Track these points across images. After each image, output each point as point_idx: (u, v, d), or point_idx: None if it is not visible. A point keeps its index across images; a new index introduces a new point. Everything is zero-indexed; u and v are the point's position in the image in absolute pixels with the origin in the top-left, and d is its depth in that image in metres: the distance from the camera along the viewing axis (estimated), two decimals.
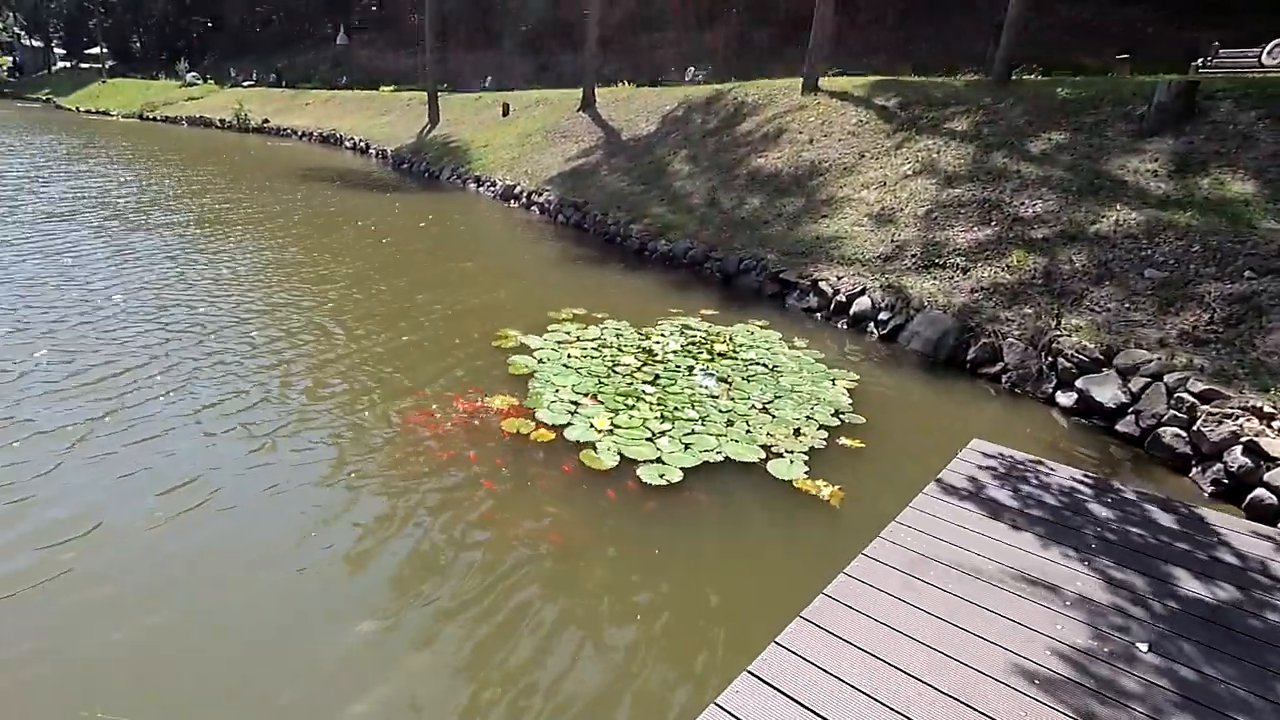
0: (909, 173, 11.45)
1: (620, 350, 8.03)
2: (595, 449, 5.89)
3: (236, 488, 5.20)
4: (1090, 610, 3.74)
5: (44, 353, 7.24)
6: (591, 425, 6.26)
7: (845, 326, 9.35)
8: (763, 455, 5.91)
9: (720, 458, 5.86)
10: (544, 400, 6.70)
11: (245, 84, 43.62)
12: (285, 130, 33.48)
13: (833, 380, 7.54)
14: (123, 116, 42.81)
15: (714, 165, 14.75)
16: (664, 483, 5.46)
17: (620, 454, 5.83)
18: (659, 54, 28.85)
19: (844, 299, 9.52)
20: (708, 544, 4.90)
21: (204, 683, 3.62)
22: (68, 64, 63.10)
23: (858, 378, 7.64)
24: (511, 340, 8.23)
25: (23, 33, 66.20)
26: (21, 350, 7.33)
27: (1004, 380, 7.72)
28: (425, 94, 27.35)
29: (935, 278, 9.19)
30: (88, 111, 45.70)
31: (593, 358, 7.77)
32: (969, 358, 8.09)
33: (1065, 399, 7.22)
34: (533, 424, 6.30)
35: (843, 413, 6.80)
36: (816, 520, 5.21)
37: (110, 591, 4.18)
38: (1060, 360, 7.38)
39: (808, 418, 6.62)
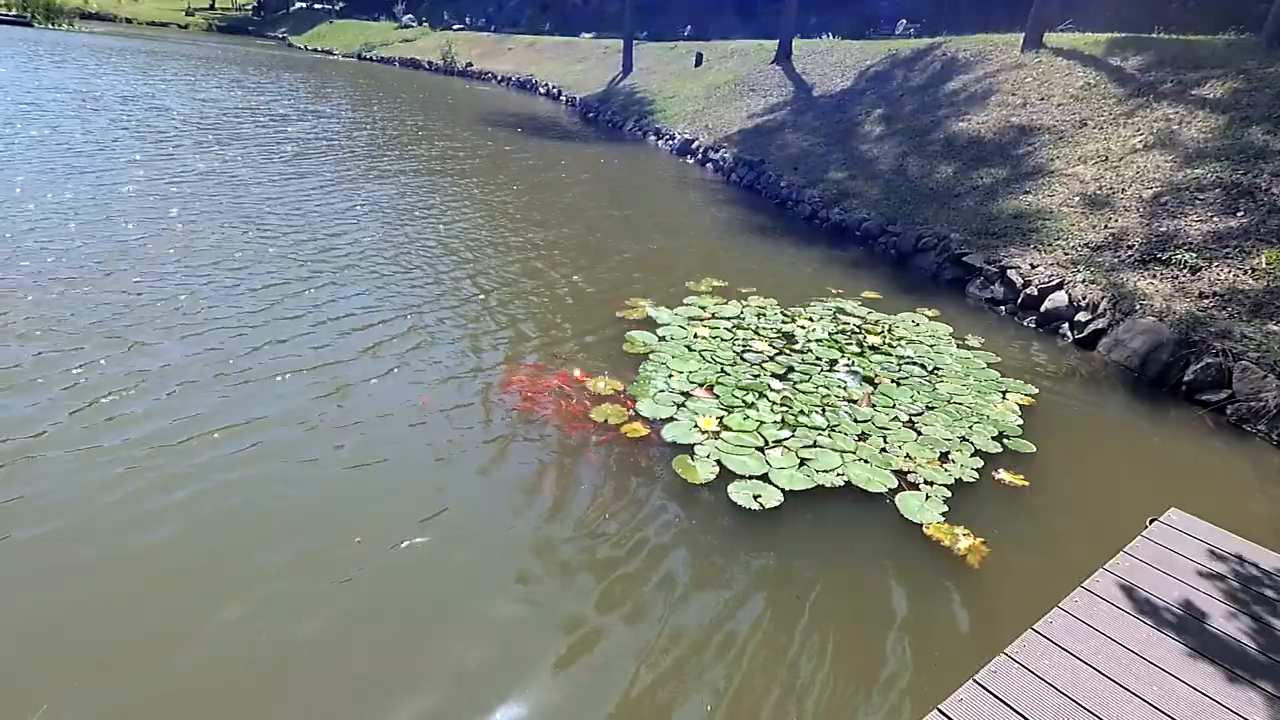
0: (1139, 146, 9.58)
1: (757, 333, 7.17)
2: (692, 455, 5.08)
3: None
4: None
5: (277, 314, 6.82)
6: (696, 425, 5.44)
7: (1033, 325, 7.97)
8: (894, 485, 4.89)
9: (840, 481, 4.89)
10: (651, 388, 5.94)
11: (455, 27, 45.16)
12: (486, 74, 34.32)
13: (1003, 393, 6.34)
14: (343, 56, 45.26)
15: (909, 128, 13.27)
16: (757, 507, 4.59)
17: (720, 464, 4.99)
18: (871, 5, 26.62)
19: (1035, 292, 8.11)
20: (785, 600, 3.95)
21: None
22: (304, 4, 66.90)
23: (1035, 392, 6.38)
24: (638, 311, 7.53)
25: None
26: (257, 316, 6.76)
27: (1229, 412, 6.20)
28: (621, 41, 26.96)
29: (1155, 276, 7.58)
30: (314, 50, 48.53)
31: (723, 340, 6.96)
32: (1186, 379, 6.58)
33: None
34: (627, 413, 5.55)
35: (1008, 436, 5.63)
36: (943, 585, 4.12)
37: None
38: None
39: (962, 439, 5.52)
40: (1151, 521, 4.24)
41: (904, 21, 21.14)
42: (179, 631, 3.43)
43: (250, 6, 70.40)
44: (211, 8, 69.15)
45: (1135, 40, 12.58)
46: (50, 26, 42.45)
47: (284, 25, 60.70)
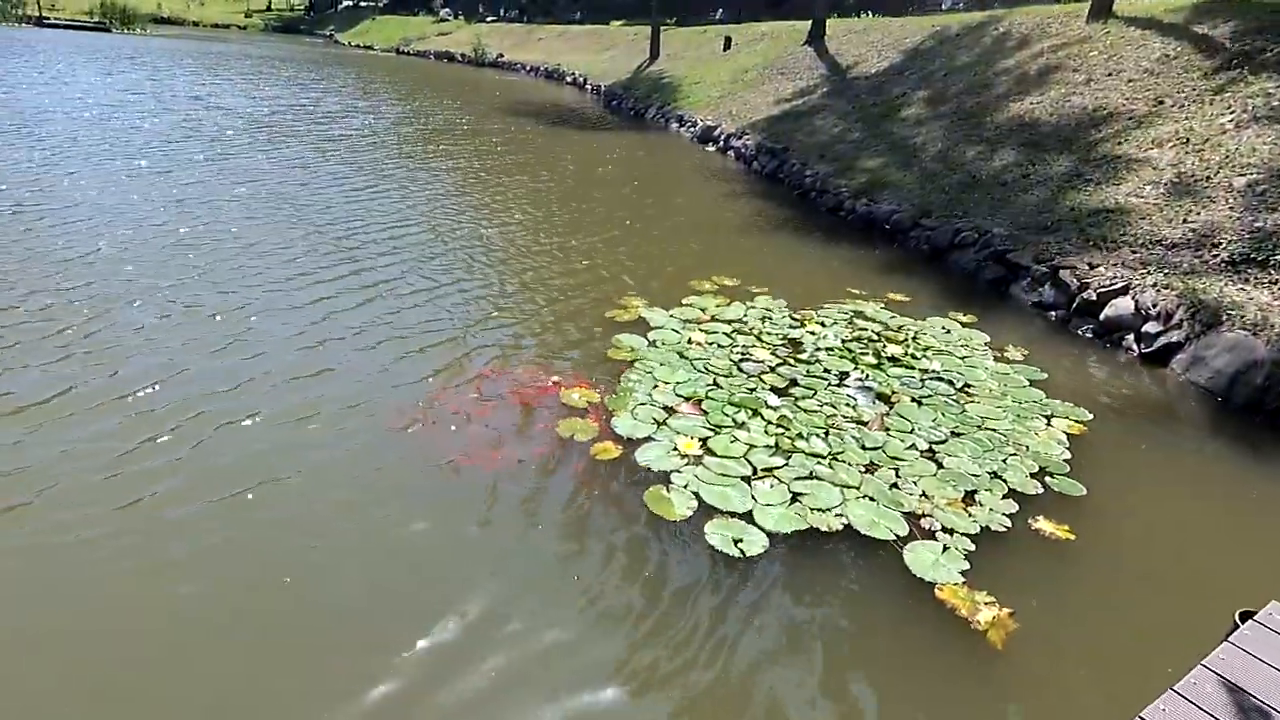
0: (1229, 126, 8.13)
1: (759, 339, 6.13)
2: (669, 485, 4.18)
3: None
4: None
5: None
6: (675, 448, 4.53)
7: (1090, 335, 6.71)
8: (903, 531, 3.87)
9: (838, 524, 3.91)
10: (631, 400, 5.05)
11: (489, 19, 45.60)
12: (515, 65, 34.23)
13: (1048, 418, 5.16)
14: (382, 50, 46.46)
15: (954, 110, 11.95)
16: (737, 553, 3.67)
17: (698, 497, 4.08)
18: None
19: (1094, 297, 6.83)
20: (750, 694, 2.98)
21: None
22: (350, 2, 69.08)
23: (1089, 418, 5.19)
24: (631, 312, 6.62)
25: None
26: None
27: None
28: (650, 28, 25.99)
29: (1249, 281, 6.24)
30: (356, 46, 50.40)
31: (720, 345, 5.96)
32: None
33: None
34: (596, 428, 4.71)
35: (1051, 474, 4.50)
36: (955, 671, 3.13)
37: None
38: None
39: (993, 475, 4.42)
40: (1243, 619, 3.03)
41: None
42: None
43: (303, 7, 73.44)
44: (268, 9, 72.79)
45: (1225, 5, 10.88)
46: (127, 31, 45.17)
47: (332, 23, 63.59)
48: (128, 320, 5.81)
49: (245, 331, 5.79)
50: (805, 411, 5.03)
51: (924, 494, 4.21)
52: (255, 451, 4.33)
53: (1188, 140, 8.28)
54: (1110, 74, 10.38)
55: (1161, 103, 9.21)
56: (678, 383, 5.35)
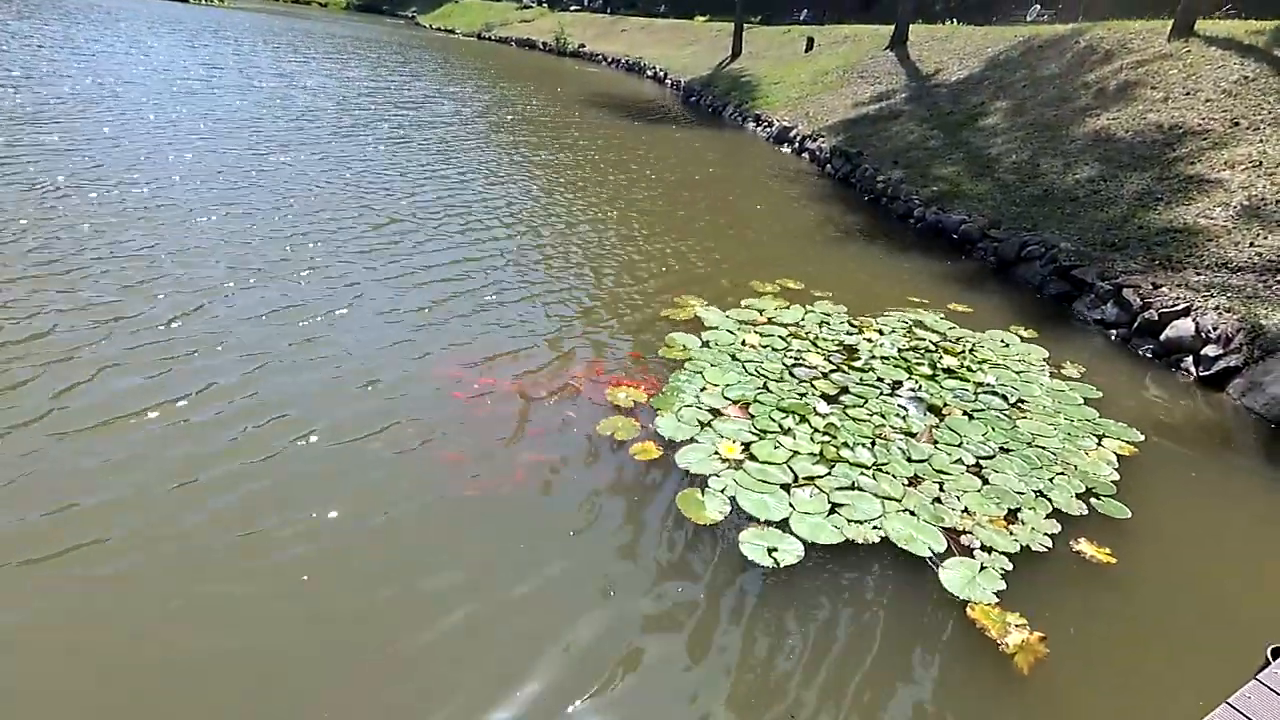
0: None
1: (814, 344, 6.32)
2: (704, 488, 4.29)
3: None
4: None
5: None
6: (716, 451, 4.65)
7: (1150, 355, 6.75)
8: (941, 547, 3.98)
9: (875, 536, 4.01)
10: (678, 401, 5.18)
11: (572, 8, 45.82)
12: (596, 56, 34.49)
13: (1099, 437, 5.27)
14: (464, 35, 47.18)
15: (1035, 122, 11.89)
16: (770, 563, 3.77)
17: (733, 502, 4.19)
18: None
19: (1155, 317, 6.87)
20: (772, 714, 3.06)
21: None
22: None
23: (1140, 439, 5.28)
24: (687, 311, 6.78)
25: None
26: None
27: None
28: (733, 25, 26.06)
29: None
30: (437, 29, 51.12)
31: (774, 349, 6.14)
32: None
33: None
34: (638, 428, 4.83)
35: (1097, 495, 4.60)
36: (974, 693, 3.20)
37: None
38: None
39: (1038, 494, 4.53)
40: (1275, 655, 3.06)
41: (1037, 7, 19.30)
42: None
43: None
44: None
45: None
46: (206, 3, 44.73)
47: (414, 4, 63.56)
48: (211, 314, 5.76)
49: (308, 326, 5.76)
50: (854, 420, 5.15)
51: (966, 510, 4.31)
52: (302, 457, 4.29)
53: (1260, 163, 8.20)
54: (1188, 93, 10.25)
55: (1237, 124, 9.10)
56: (727, 385, 5.45)
